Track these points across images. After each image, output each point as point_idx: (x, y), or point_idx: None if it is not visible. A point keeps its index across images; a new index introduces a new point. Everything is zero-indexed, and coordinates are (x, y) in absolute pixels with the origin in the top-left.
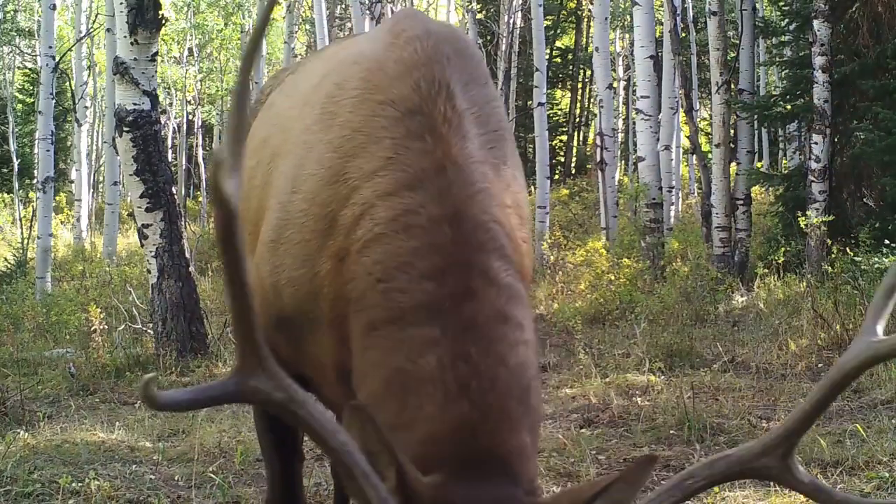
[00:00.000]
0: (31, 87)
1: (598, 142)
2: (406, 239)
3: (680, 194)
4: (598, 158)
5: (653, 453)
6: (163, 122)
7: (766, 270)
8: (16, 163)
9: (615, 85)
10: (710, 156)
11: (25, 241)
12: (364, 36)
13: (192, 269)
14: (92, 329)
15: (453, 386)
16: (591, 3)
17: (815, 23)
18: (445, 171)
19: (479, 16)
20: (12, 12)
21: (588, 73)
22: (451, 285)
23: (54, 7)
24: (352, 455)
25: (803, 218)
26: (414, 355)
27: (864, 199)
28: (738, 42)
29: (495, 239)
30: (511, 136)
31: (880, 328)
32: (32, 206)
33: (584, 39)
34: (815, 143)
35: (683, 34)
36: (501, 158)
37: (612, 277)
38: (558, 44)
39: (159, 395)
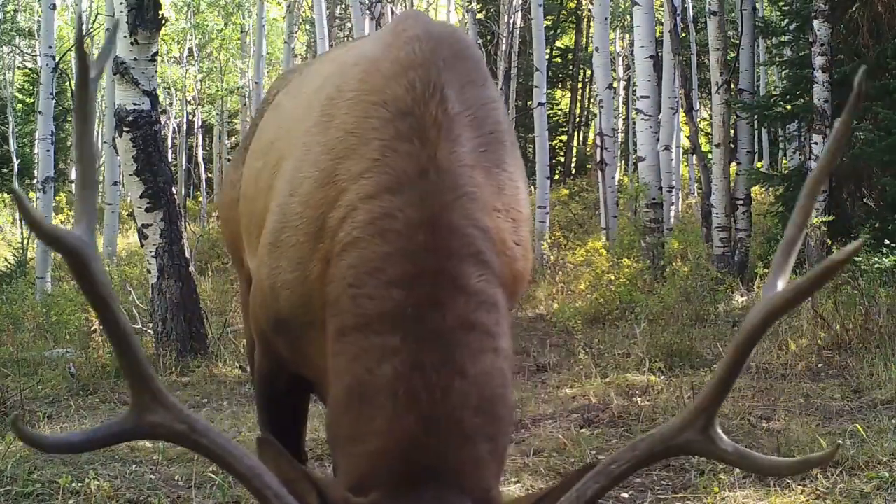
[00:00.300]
0: (31, 87)
1: (598, 142)
2: (380, 244)
3: (680, 194)
4: (598, 158)
5: (590, 462)
6: (163, 122)
7: (766, 270)
8: (16, 163)
9: (615, 85)
10: (710, 156)
11: (25, 241)
12: (369, 37)
13: (192, 269)
14: (92, 329)
15: (404, 398)
16: (591, 3)
17: (815, 23)
18: (428, 174)
19: (479, 16)
20: (12, 12)
21: (588, 73)
22: (417, 293)
23: (54, 7)
24: (261, 478)
25: None
26: (373, 365)
27: (864, 199)
28: (738, 42)
29: (471, 244)
30: (510, 138)
31: (780, 283)
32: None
33: (584, 39)
34: (815, 143)
35: (683, 34)
36: (495, 162)
37: (612, 277)
38: (558, 44)
39: (46, 438)
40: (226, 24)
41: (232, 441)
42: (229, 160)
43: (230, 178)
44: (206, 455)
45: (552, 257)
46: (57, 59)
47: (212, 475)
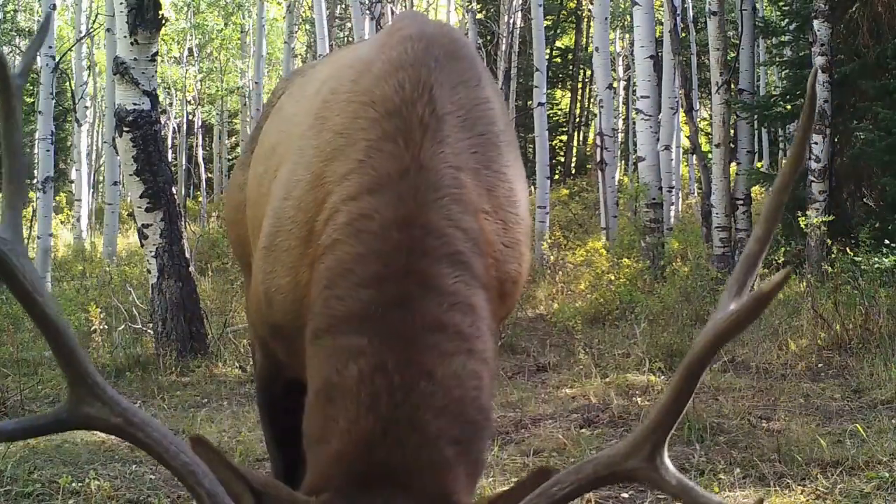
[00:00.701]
0: (31, 87)
1: (598, 142)
2: (355, 245)
3: (680, 194)
4: (598, 158)
5: (545, 466)
6: (163, 122)
7: (766, 270)
8: None
9: (615, 85)
10: (710, 156)
11: (25, 241)
12: (369, 38)
13: (192, 269)
14: (92, 329)
15: (365, 399)
16: (591, 3)
17: (815, 23)
18: (409, 174)
19: (479, 16)
20: (12, 12)
21: (588, 73)
22: (386, 293)
23: (54, 7)
24: (195, 476)
25: (803, 218)
26: (340, 366)
27: (864, 199)
28: (738, 42)
29: (449, 245)
30: (506, 139)
31: (734, 305)
32: (32, 206)
33: (584, 39)
34: (815, 143)
35: (683, 34)
36: (485, 163)
37: (612, 277)
38: (558, 44)
39: None
40: (226, 24)
41: (170, 436)
42: (230, 160)
43: (237, 180)
44: (143, 448)
45: (552, 257)
46: (57, 59)
47: None
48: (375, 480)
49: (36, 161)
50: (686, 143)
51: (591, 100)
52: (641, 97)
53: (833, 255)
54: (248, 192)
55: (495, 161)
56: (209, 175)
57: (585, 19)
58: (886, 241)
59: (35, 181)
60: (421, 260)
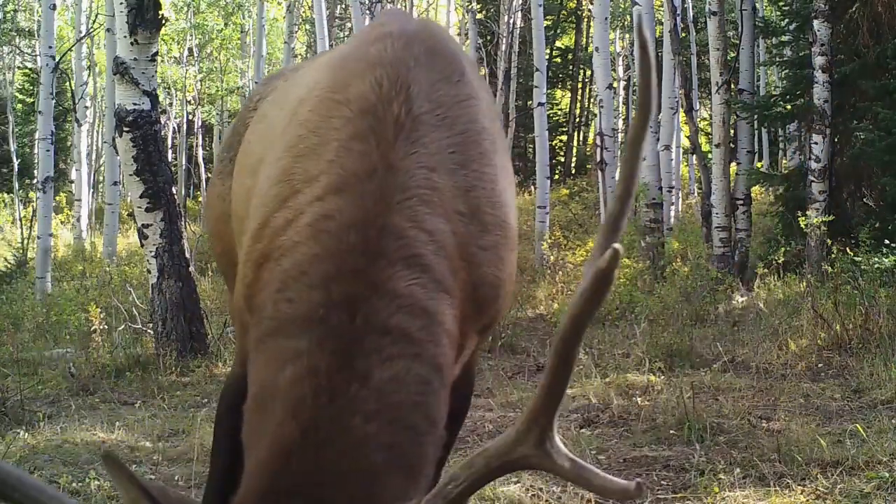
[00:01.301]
0: (31, 87)
1: (598, 142)
2: (313, 246)
3: (680, 194)
4: (598, 158)
5: (453, 474)
6: (163, 122)
7: (766, 270)
8: (16, 163)
9: (615, 85)
10: (710, 156)
11: (25, 241)
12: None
13: (192, 269)
14: (92, 329)
15: (292, 403)
16: (591, 3)
17: (815, 23)
18: (376, 174)
19: (479, 16)
20: (12, 12)
21: (588, 73)
22: (333, 294)
23: (54, 7)
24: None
25: (803, 218)
26: (276, 370)
27: (864, 199)
28: (738, 42)
29: (408, 247)
30: (490, 137)
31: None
32: (32, 206)
33: (584, 39)
34: (815, 143)
35: (683, 34)
36: (464, 162)
37: None
38: (558, 44)
39: None
40: (226, 24)
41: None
42: None
43: (216, 190)
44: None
45: (552, 257)
46: (57, 59)
47: None
48: (294, 489)
49: (36, 161)
50: (686, 143)
51: (591, 100)
52: None
53: (833, 255)
54: (234, 206)
55: (476, 160)
56: (209, 175)
57: (585, 19)
58: (886, 241)
59: (35, 181)
60: (374, 261)
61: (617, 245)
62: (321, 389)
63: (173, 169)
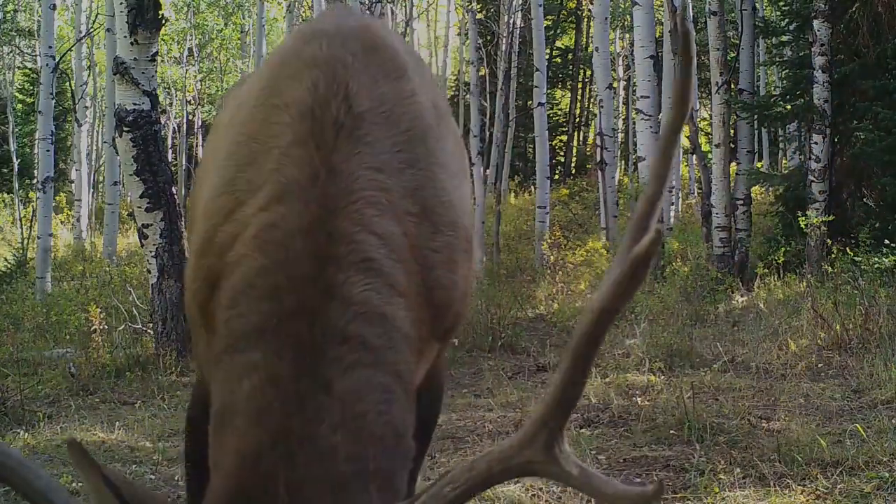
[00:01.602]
0: (31, 87)
1: (598, 142)
2: (259, 257)
3: (680, 194)
4: (598, 158)
5: (447, 472)
6: (163, 122)
7: (766, 270)
8: (16, 163)
9: (615, 85)
10: (710, 156)
11: (25, 241)
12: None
13: None
14: (92, 329)
15: (255, 413)
16: (591, 3)
17: (815, 23)
18: (318, 179)
19: (479, 16)
20: (12, 12)
21: (588, 73)
22: (286, 303)
23: (54, 7)
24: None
25: (803, 218)
26: (234, 385)
27: (864, 199)
28: (738, 42)
29: (359, 251)
30: (437, 134)
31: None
32: (32, 206)
33: (584, 39)
34: (815, 143)
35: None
36: (411, 161)
37: None
38: (558, 44)
39: None
40: (226, 24)
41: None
42: None
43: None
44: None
45: (552, 257)
46: (57, 59)
47: None
48: (261, 496)
49: (36, 161)
50: (686, 143)
51: (591, 100)
52: (641, 97)
53: (833, 255)
54: (190, 213)
55: (423, 159)
56: None
57: (585, 19)
58: (886, 241)
59: (35, 181)
60: (326, 268)
61: (656, 226)
62: (286, 397)
63: (173, 169)
